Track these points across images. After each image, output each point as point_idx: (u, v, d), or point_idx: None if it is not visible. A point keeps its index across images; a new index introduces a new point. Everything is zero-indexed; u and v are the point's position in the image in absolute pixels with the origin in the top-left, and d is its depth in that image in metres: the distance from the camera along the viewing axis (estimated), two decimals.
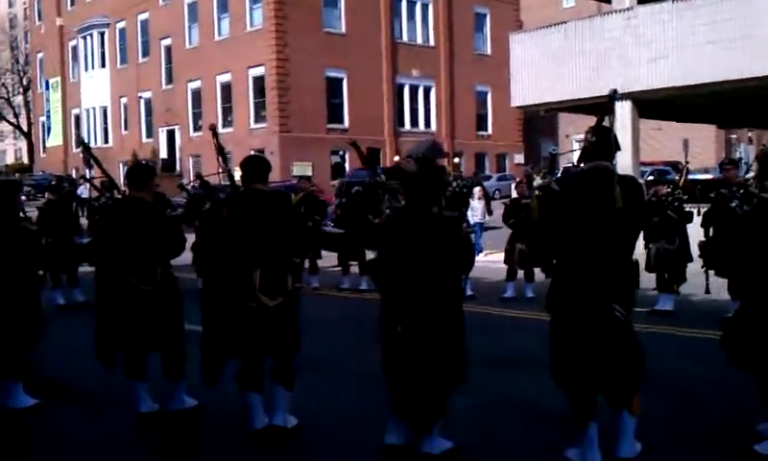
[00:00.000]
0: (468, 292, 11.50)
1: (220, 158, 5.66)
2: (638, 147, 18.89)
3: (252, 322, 5.17)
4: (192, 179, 8.53)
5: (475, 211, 17.50)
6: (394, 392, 4.84)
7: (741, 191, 8.02)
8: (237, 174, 5.57)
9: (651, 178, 12.43)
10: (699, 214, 9.78)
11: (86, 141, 8.35)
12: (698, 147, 32.95)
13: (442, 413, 4.75)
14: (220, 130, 36.22)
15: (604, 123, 4.81)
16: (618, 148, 4.75)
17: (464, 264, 4.96)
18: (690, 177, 12.72)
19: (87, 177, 11.53)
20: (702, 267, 9.21)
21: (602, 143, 4.67)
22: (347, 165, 37.20)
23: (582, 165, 4.79)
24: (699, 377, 6.55)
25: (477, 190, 18.04)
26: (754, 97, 18.77)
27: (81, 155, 42.22)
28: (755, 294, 4.85)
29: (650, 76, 17.79)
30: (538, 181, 16.13)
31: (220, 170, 5.80)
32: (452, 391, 4.80)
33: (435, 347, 4.66)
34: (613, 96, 4.93)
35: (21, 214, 6.41)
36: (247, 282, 5.16)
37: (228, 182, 5.75)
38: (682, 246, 9.71)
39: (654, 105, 19.27)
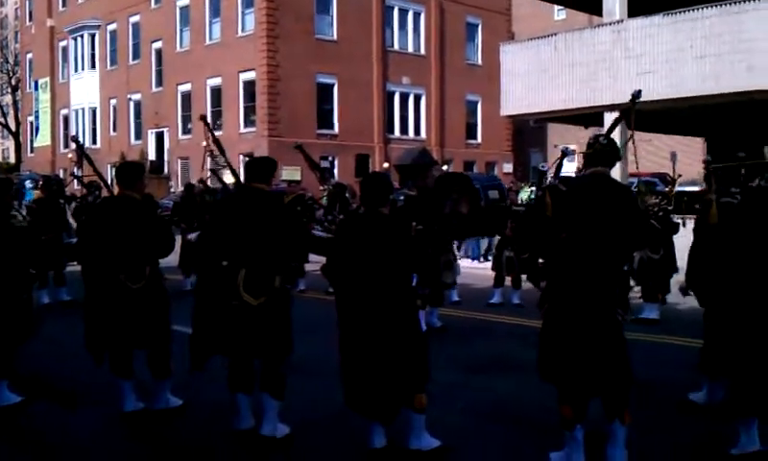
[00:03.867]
0: (455, 298, 11.54)
1: (214, 147, 5.68)
2: (627, 158, 19.00)
3: (235, 320, 5.15)
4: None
5: None
6: (349, 389, 4.89)
7: None
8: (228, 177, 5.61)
9: (635, 189, 12.51)
10: (684, 226, 9.86)
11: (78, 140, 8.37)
12: (686, 160, 33.15)
13: (409, 405, 4.81)
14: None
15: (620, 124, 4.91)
16: (619, 157, 4.78)
17: (413, 264, 5.07)
18: (679, 189, 12.80)
19: (77, 175, 11.53)
20: None
21: (611, 150, 4.72)
22: (335, 170, 37.21)
23: (583, 170, 4.82)
24: (682, 385, 6.59)
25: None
26: (740, 112, 18.95)
27: (69, 155, 42.07)
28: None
29: (639, 88, 17.92)
30: (525, 191, 16.10)
31: (216, 162, 5.84)
32: (420, 389, 4.83)
33: (390, 345, 4.72)
34: (637, 96, 4.99)
35: (15, 212, 6.41)
36: (232, 280, 5.15)
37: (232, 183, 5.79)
38: (666, 256, 9.77)
39: (642, 117, 19.43)
